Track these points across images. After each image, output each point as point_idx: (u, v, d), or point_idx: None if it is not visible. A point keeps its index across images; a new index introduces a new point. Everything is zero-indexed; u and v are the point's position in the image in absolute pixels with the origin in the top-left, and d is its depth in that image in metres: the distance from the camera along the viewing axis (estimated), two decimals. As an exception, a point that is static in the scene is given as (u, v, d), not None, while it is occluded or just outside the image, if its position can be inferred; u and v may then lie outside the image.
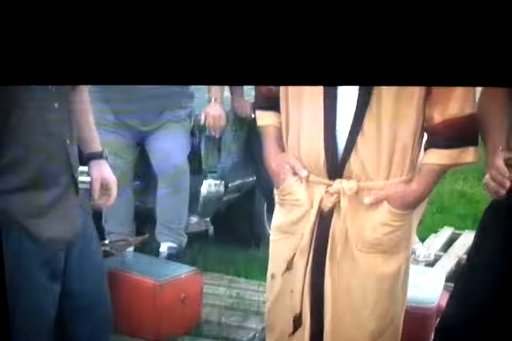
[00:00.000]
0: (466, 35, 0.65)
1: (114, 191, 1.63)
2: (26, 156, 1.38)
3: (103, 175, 1.62)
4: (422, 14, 0.65)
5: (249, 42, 0.67)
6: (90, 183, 1.61)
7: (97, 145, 1.66)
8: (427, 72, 0.68)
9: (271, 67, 0.68)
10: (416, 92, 1.52)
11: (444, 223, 3.91)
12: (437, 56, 0.67)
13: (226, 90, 3.03)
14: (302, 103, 1.61)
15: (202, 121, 2.86)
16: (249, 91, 3.09)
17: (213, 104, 2.82)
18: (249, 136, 3.00)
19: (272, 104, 1.71)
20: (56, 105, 1.43)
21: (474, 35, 0.65)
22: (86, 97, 1.64)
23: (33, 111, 1.38)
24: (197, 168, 2.91)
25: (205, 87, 2.88)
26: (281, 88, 1.64)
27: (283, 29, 0.66)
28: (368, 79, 0.71)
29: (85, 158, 1.64)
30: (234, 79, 0.73)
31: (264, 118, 1.76)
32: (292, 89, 1.62)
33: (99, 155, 1.64)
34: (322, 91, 1.55)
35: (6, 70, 0.68)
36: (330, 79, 0.71)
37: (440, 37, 0.66)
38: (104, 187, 1.62)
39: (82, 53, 0.67)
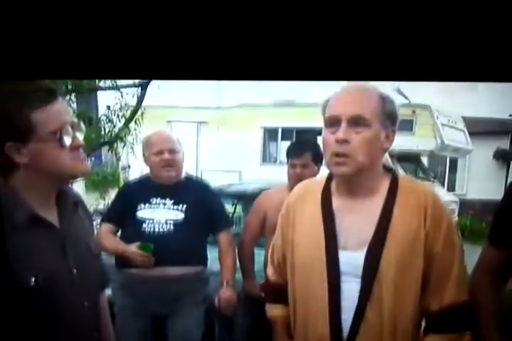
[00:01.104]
0: (464, 30, 0.65)
1: None
2: None
3: None
4: (420, 13, 0.64)
5: (248, 38, 0.66)
6: None
7: None
8: (426, 68, 0.67)
9: (272, 63, 0.67)
10: (414, 281, 1.62)
11: None
12: (436, 51, 0.66)
13: (238, 272, 3.21)
14: (309, 297, 1.72)
15: (216, 304, 3.01)
16: (259, 273, 3.29)
17: (226, 287, 2.97)
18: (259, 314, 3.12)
19: (280, 297, 1.86)
20: (86, 304, 1.54)
21: (473, 31, 0.64)
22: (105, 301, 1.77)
23: None
24: None
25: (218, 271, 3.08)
26: (289, 281, 1.79)
27: (280, 25, 0.65)
28: (367, 75, 0.69)
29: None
30: (231, 74, 0.70)
31: (273, 310, 1.91)
32: (299, 281, 1.76)
33: None
34: (326, 285, 1.66)
35: (12, 65, 0.67)
36: (329, 75, 0.68)
37: (440, 33, 0.65)
38: None
39: (80, 49, 0.66)
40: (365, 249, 1.63)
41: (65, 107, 1.49)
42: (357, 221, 1.67)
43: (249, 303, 3.22)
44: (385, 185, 1.70)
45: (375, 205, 1.67)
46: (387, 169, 1.75)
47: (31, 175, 1.44)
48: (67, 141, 1.43)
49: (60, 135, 1.42)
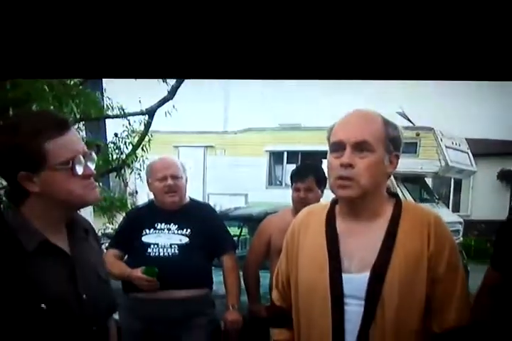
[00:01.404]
0: (463, 31, 0.66)
1: None
2: None
3: None
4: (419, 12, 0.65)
5: (247, 38, 0.67)
6: None
7: None
8: (426, 67, 0.68)
9: (270, 62, 0.68)
10: (417, 304, 1.64)
11: None
12: (432, 51, 0.66)
13: (243, 295, 3.27)
14: (312, 319, 1.73)
15: (222, 326, 3.06)
16: (264, 296, 3.35)
17: (231, 310, 3.03)
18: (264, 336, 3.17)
19: (284, 321, 1.88)
20: (95, 328, 1.55)
21: (471, 31, 0.65)
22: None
23: None
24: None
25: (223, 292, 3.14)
26: (293, 304, 1.81)
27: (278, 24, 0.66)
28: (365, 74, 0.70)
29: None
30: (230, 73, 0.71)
31: (277, 334, 1.95)
32: (303, 304, 1.77)
33: None
34: (330, 308, 1.68)
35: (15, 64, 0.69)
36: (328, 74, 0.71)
37: (438, 32, 0.65)
38: None
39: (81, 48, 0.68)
40: (369, 272, 1.65)
41: (77, 137, 1.53)
42: (361, 244, 1.69)
43: (254, 325, 3.26)
44: (388, 209, 1.72)
45: (378, 229, 1.69)
46: (391, 194, 1.79)
47: (43, 203, 1.47)
48: (79, 170, 1.46)
49: (72, 164, 1.45)
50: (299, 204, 3.09)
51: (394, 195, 1.79)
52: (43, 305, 1.40)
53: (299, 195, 3.20)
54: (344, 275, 1.68)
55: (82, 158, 1.48)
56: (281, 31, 0.65)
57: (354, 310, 1.66)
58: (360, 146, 1.65)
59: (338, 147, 1.69)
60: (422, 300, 1.64)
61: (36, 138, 1.41)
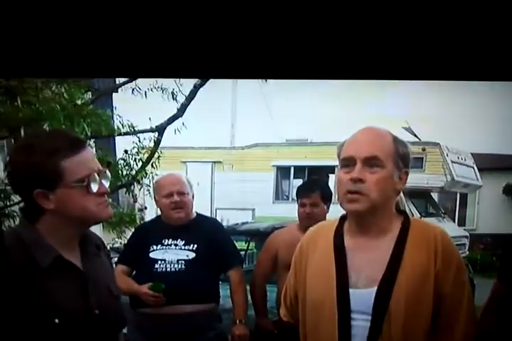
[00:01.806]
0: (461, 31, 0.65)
1: None
2: None
3: None
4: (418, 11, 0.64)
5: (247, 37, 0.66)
6: None
7: None
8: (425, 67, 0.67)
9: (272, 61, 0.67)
10: (423, 320, 1.65)
11: None
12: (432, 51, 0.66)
13: (250, 309, 3.33)
14: (319, 333, 1.75)
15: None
16: (271, 310, 3.41)
17: (238, 325, 3.08)
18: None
19: (292, 338, 1.88)
20: None
21: (469, 31, 0.64)
22: None
23: None
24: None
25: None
26: (300, 319, 1.82)
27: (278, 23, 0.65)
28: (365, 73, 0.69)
29: None
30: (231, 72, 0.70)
31: None
32: (310, 318, 1.78)
33: None
34: (337, 322, 1.68)
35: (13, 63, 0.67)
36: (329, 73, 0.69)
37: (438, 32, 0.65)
38: None
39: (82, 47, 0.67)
40: (376, 287, 1.66)
41: (92, 156, 1.57)
42: (368, 259, 1.71)
43: (261, 340, 3.31)
44: (396, 226, 1.74)
45: (386, 245, 1.70)
46: (399, 211, 1.81)
47: (57, 220, 1.50)
48: (94, 187, 1.49)
49: (87, 182, 1.48)
50: (305, 219, 3.16)
51: (402, 213, 1.82)
52: (56, 320, 1.43)
53: (305, 210, 3.26)
54: (351, 291, 1.69)
55: (97, 175, 1.51)
56: (286, 29, 0.66)
57: (361, 325, 1.67)
58: (371, 162, 1.67)
59: (348, 162, 1.70)
60: (428, 316, 1.65)
61: (52, 157, 1.45)
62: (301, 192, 3.36)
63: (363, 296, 1.68)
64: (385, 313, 1.64)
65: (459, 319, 1.67)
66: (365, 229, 1.74)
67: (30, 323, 1.39)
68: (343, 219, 1.84)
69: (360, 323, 1.67)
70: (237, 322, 3.08)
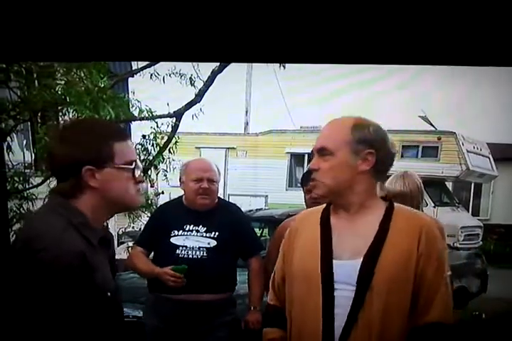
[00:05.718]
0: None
1: None
2: None
3: None
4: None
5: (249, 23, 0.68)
6: None
7: None
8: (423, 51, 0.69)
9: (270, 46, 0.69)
10: (404, 295, 1.74)
11: None
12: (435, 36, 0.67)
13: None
14: (305, 305, 1.81)
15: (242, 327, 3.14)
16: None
17: (253, 311, 3.10)
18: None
19: (278, 321, 1.94)
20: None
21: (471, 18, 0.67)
22: None
23: None
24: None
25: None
26: (287, 297, 1.89)
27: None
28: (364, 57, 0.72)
29: None
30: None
31: (270, 333, 1.99)
32: (296, 292, 1.85)
33: None
34: (321, 293, 1.77)
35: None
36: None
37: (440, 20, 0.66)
38: None
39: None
40: (361, 259, 1.74)
41: (133, 146, 1.69)
42: (353, 234, 1.80)
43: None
44: (380, 207, 1.84)
45: (371, 223, 1.79)
46: (385, 199, 1.89)
47: (95, 200, 1.56)
48: (137, 173, 1.58)
49: (134, 166, 1.57)
50: (313, 204, 3.15)
51: (388, 200, 1.90)
52: (108, 294, 1.54)
53: (311, 195, 3.26)
54: (336, 262, 1.77)
55: (139, 163, 1.62)
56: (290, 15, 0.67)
57: (345, 295, 1.75)
58: (322, 152, 1.83)
59: (313, 155, 1.89)
60: (409, 292, 1.74)
61: (107, 138, 1.55)
62: (305, 178, 3.35)
63: (347, 267, 1.76)
64: (369, 284, 1.72)
65: (437, 300, 1.76)
66: (345, 208, 1.85)
67: (88, 300, 1.46)
68: (330, 202, 1.93)
69: (344, 293, 1.75)
70: (252, 308, 3.11)
